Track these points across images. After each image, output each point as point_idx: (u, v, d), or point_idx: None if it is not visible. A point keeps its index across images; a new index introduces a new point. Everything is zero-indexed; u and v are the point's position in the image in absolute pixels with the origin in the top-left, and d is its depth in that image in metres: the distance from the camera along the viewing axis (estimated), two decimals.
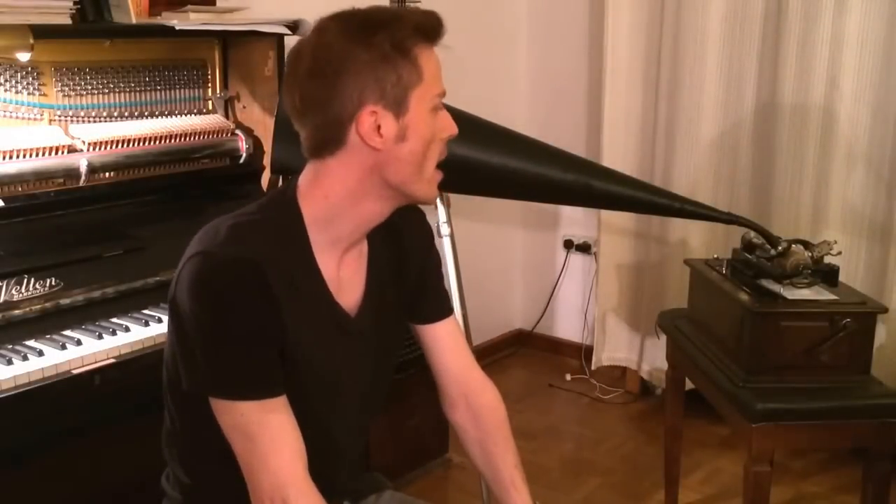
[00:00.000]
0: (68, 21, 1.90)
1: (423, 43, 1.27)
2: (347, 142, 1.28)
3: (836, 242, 2.16)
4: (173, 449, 1.42)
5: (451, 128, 1.34)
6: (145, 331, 1.83)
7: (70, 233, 1.94)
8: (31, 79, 1.98)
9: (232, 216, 1.31)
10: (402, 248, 1.47)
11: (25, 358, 1.65)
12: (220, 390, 1.25)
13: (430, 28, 1.28)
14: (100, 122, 2.11)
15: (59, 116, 2.04)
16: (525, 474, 1.52)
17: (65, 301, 1.81)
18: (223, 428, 1.27)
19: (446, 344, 1.54)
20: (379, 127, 1.26)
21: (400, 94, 1.26)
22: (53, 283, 1.81)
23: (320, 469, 1.28)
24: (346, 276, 1.37)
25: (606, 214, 3.45)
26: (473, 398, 1.55)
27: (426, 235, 1.54)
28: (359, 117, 1.25)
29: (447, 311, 1.55)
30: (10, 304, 1.73)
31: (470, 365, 1.57)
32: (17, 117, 1.97)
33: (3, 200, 1.86)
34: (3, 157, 1.86)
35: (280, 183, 2.37)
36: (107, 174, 2.06)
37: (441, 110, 1.32)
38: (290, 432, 1.26)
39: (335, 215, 1.32)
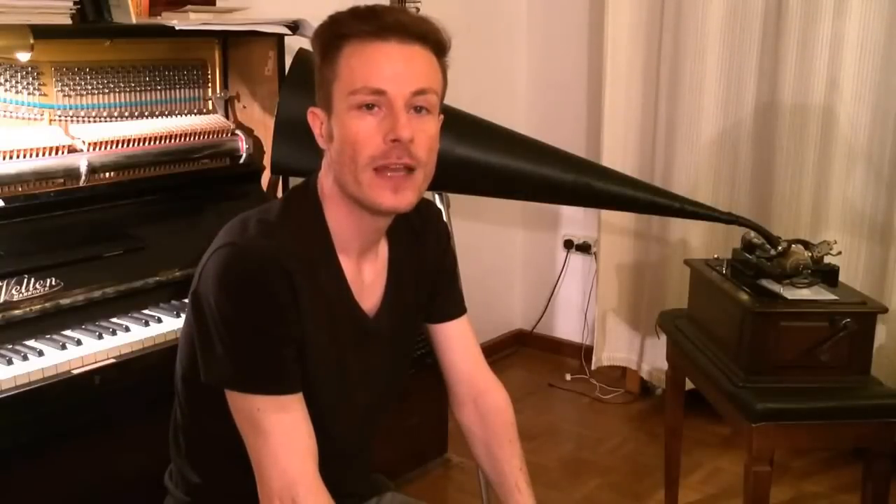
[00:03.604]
0: (68, 21, 1.90)
1: (353, 39, 1.25)
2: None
3: (836, 242, 2.16)
4: (181, 445, 1.42)
5: (388, 130, 1.23)
6: (145, 331, 1.83)
7: (70, 233, 1.93)
8: (31, 79, 1.98)
9: (259, 211, 1.33)
10: (420, 250, 1.47)
11: (25, 358, 1.65)
12: (237, 383, 1.25)
13: (363, 23, 1.25)
14: (100, 122, 2.11)
15: (59, 116, 2.03)
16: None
17: (65, 301, 1.81)
18: (237, 422, 1.27)
19: (458, 344, 1.55)
20: (321, 124, 1.31)
21: (326, 93, 1.29)
22: (53, 283, 1.80)
23: (329, 470, 1.28)
24: (367, 278, 1.38)
25: (606, 214, 3.45)
26: (482, 399, 1.55)
27: (443, 235, 1.54)
28: (308, 116, 1.32)
29: (460, 310, 1.55)
30: (10, 304, 1.73)
31: (480, 365, 1.57)
32: (17, 117, 1.96)
33: (3, 200, 1.86)
34: (3, 157, 1.86)
35: (280, 183, 2.38)
36: (107, 174, 2.06)
37: (380, 109, 1.24)
38: (303, 431, 1.27)
39: (336, 219, 1.33)
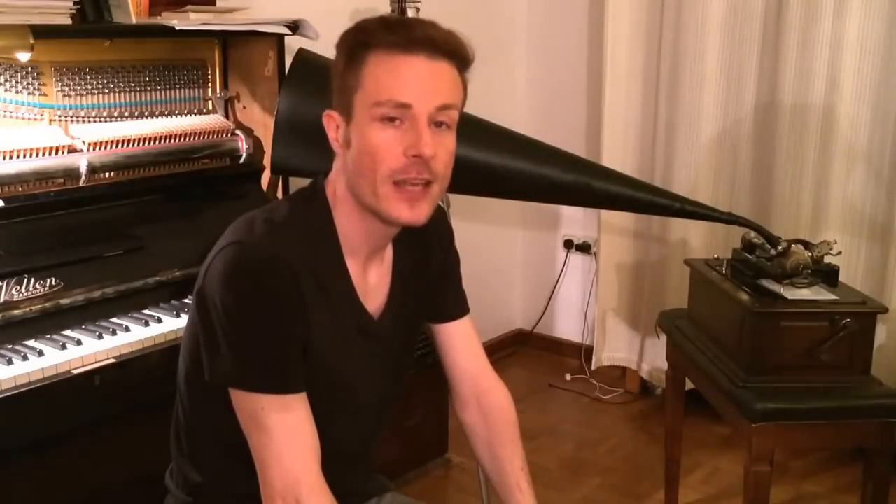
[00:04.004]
0: (68, 21, 1.89)
1: (379, 50, 1.24)
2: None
3: (836, 242, 2.16)
4: (183, 444, 1.42)
5: (409, 145, 1.24)
6: (145, 331, 1.83)
7: (70, 233, 1.93)
8: (31, 79, 1.98)
9: (265, 211, 1.33)
10: (424, 251, 1.48)
11: (25, 358, 1.65)
12: (241, 382, 1.25)
13: (392, 34, 1.24)
14: (100, 122, 2.11)
15: (59, 116, 2.03)
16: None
17: (65, 301, 1.81)
18: (240, 420, 1.27)
19: (461, 343, 1.55)
20: (337, 128, 1.30)
21: (347, 100, 1.28)
22: (53, 283, 1.80)
23: (330, 470, 1.28)
24: (372, 280, 1.39)
25: (606, 214, 3.45)
26: (484, 398, 1.55)
27: (446, 234, 1.54)
28: (324, 118, 1.31)
29: (464, 310, 1.56)
30: (10, 304, 1.73)
31: (483, 365, 1.57)
32: (17, 117, 1.96)
33: (3, 200, 1.86)
34: (3, 157, 1.86)
35: (280, 183, 2.38)
36: (107, 174, 2.06)
37: (402, 123, 1.24)
38: (307, 430, 1.27)
39: (347, 223, 1.33)
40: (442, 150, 1.27)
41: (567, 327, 3.90)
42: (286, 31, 2.24)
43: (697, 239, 3.21)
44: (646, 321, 3.41)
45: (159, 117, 2.22)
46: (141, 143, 2.11)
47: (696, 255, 3.05)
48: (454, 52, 1.28)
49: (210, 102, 2.35)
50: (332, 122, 1.32)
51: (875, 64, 2.82)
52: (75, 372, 1.67)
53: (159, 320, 1.88)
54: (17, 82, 1.96)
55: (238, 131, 2.33)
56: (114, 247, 1.96)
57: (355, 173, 1.28)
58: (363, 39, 1.26)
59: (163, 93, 2.25)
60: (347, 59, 1.27)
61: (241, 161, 2.32)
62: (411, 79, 1.24)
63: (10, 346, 1.70)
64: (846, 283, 2.19)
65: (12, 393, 1.58)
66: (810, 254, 2.11)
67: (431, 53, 1.25)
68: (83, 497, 1.82)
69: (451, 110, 1.28)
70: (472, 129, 2.13)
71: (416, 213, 1.28)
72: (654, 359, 3.42)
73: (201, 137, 2.24)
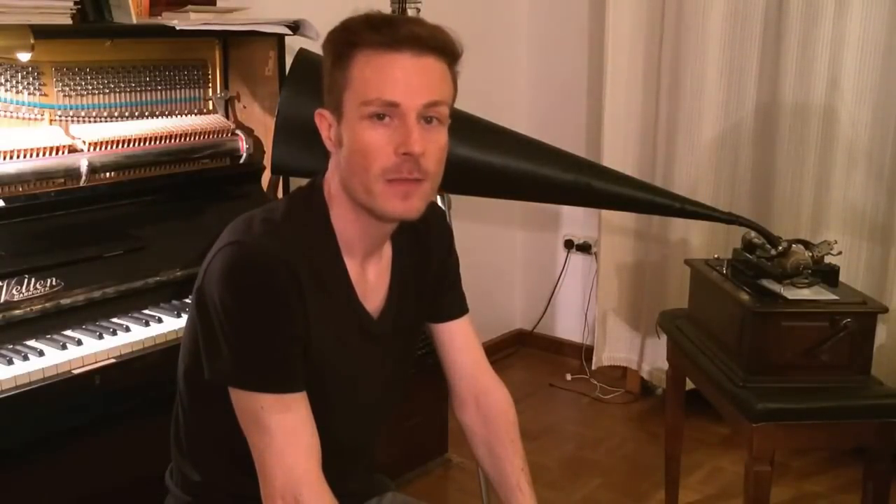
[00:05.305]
0: (68, 21, 1.90)
1: (366, 49, 1.24)
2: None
3: (836, 242, 2.16)
4: (183, 443, 1.42)
5: (399, 143, 1.24)
6: (146, 331, 1.83)
7: (70, 233, 1.93)
8: (31, 79, 1.98)
9: (264, 210, 1.33)
10: (424, 251, 1.48)
11: (26, 358, 1.65)
12: (242, 381, 1.25)
13: (377, 33, 1.24)
14: (100, 122, 2.11)
15: (60, 116, 2.04)
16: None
17: (65, 301, 1.81)
18: (240, 420, 1.27)
19: (460, 343, 1.55)
20: (329, 127, 1.31)
21: (336, 99, 1.28)
22: (54, 283, 1.80)
23: (331, 469, 1.28)
24: (371, 279, 1.39)
25: (606, 214, 3.45)
26: (483, 399, 1.55)
27: (446, 235, 1.54)
28: (316, 117, 1.32)
29: (463, 310, 1.56)
30: (10, 304, 1.73)
31: (482, 365, 1.57)
32: (17, 117, 1.96)
33: (4, 200, 1.86)
34: (4, 157, 1.86)
35: (280, 183, 2.38)
36: (107, 174, 2.06)
37: (391, 120, 1.24)
38: (307, 430, 1.27)
39: (342, 221, 1.33)
40: (432, 146, 1.26)
41: (567, 327, 3.90)
42: (286, 31, 2.24)
43: (698, 239, 3.21)
44: (646, 321, 3.41)
45: (159, 117, 2.22)
46: (141, 143, 2.11)
47: (697, 255, 3.05)
48: (441, 47, 1.27)
49: (210, 102, 2.35)
50: (324, 122, 1.32)
51: (875, 64, 2.82)
52: (76, 372, 1.67)
53: (160, 320, 1.88)
54: (17, 82, 1.96)
55: (238, 131, 2.33)
56: (114, 247, 1.96)
57: (348, 171, 1.28)
58: (349, 39, 1.26)
59: (163, 93, 2.25)
60: (335, 59, 1.28)
61: (242, 161, 2.32)
62: (398, 76, 1.24)
63: (11, 346, 1.70)
64: (846, 283, 2.19)
65: (12, 393, 1.58)
66: (810, 254, 2.11)
67: (417, 50, 1.25)
68: (83, 497, 1.82)
69: (439, 106, 1.27)
70: (472, 129, 2.14)
71: (408, 207, 1.28)
72: (654, 359, 3.42)
73: (201, 137, 2.24)
